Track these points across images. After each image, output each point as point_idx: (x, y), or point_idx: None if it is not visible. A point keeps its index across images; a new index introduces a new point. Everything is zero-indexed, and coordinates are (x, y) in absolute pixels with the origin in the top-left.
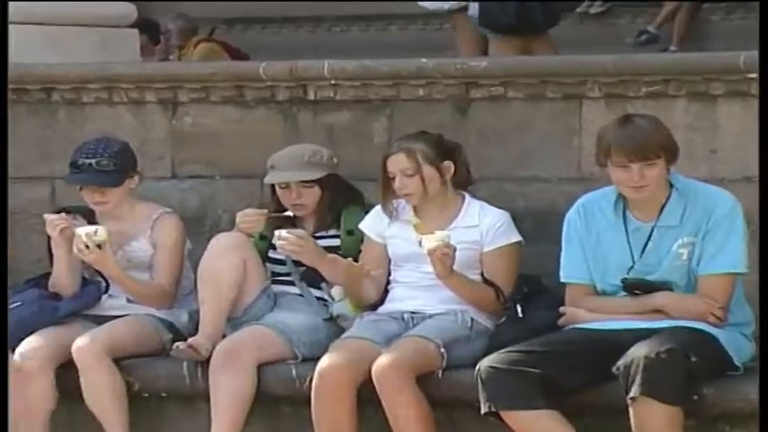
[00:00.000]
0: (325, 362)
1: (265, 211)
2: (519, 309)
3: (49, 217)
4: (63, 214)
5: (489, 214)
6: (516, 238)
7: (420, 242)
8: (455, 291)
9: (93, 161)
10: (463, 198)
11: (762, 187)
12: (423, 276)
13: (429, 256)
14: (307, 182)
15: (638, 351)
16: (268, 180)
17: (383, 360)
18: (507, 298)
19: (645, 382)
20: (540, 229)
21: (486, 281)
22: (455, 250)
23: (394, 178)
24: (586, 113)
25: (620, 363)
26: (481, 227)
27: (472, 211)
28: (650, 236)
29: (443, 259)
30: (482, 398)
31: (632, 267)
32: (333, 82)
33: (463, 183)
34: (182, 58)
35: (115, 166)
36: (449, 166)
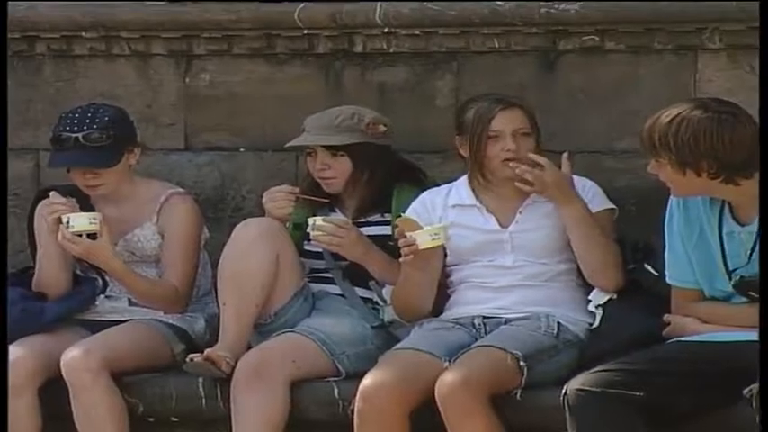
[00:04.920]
0: (369, 379)
1: (295, 189)
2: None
3: (53, 199)
4: (54, 195)
5: (573, 182)
6: (611, 205)
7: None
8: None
9: (79, 135)
10: None
11: (762, 187)
12: (498, 272)
13: (419, 259)
14: (335, 150)
15: None
16: (289, 144)
17: (449, 377)
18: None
19: None
20: (644, 213)
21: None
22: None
23: (495, 137)
24: (703, 69)
25: (754, 386)
26: None
27: None
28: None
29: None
30: (570, 427)
31: (734, 271)
32: (386, 30)
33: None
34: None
35: (108, 138)
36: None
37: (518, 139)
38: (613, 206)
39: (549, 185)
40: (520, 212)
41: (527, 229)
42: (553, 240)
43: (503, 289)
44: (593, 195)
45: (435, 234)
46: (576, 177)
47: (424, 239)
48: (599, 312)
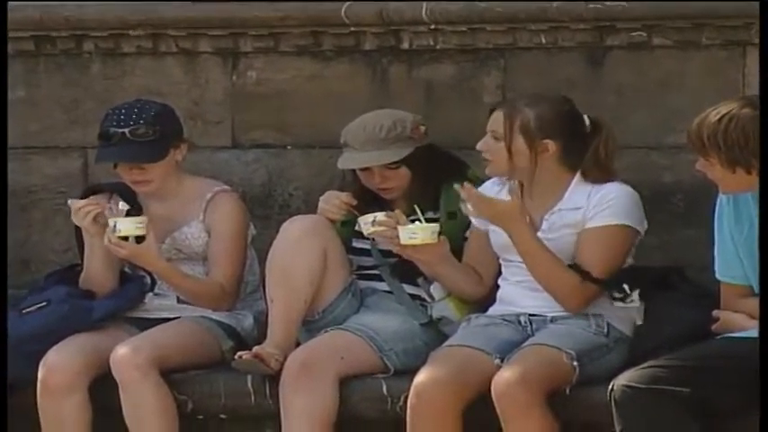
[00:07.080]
0: (423, 376)
1: (353, 200)
2: (626, 288)
3: (75, 203)
4: (92, 197)
5: (601, 191)
6: (624, 221)
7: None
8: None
9: (126, 130)
10: (573, 176)
11: (762, 188)
12: (528, 272)
13: (410, 253)
14: (391, 163)
15: None
16: (341, 164)
17: (506, 374)
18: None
19: None
20: (692, 209)
21: (573, 267)
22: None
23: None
24: (752, 65)
25: None
26: (586, 207)
27: (581, 190)
28: None
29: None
30: (617, 423)
31: None
32: (433, 27)
33: (598, 172)
34: None
35: (155, 134)
36: (547, 146)
37: (489, 141)
38: (627, 223)
39: (483, 215)
40: (546, 219)
41: (548, 238)
42: (566, 246)
43: (536, 288)
44: (606, 208)
45: (413, 233)
46: (608, 186)
47: (403, 236)
48: (641, 308)
